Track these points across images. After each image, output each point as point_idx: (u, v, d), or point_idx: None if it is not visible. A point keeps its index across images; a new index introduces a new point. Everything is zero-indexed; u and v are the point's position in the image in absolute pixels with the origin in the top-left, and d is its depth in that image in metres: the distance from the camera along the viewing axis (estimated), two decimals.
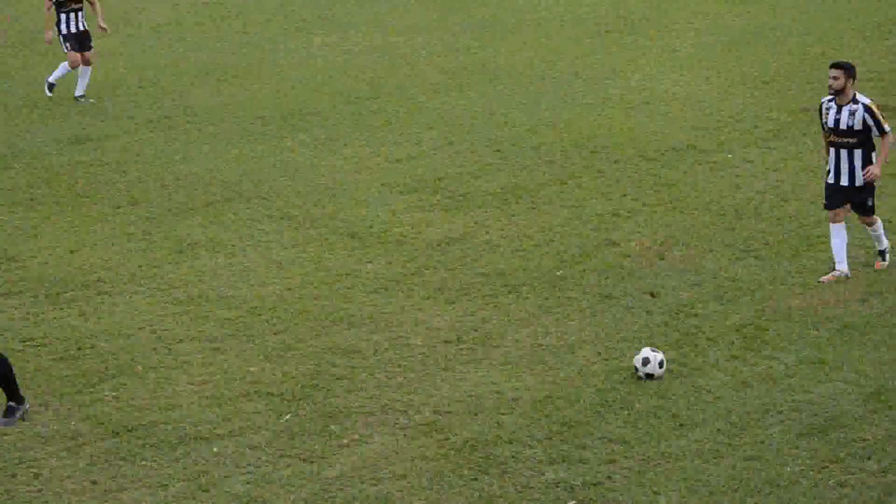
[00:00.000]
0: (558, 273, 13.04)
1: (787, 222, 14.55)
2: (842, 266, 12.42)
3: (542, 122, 19.83)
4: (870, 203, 12.50)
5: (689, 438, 9.45)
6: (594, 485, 8.79)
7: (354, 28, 28.10)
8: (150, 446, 9.65)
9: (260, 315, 12.39)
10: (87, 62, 20.19)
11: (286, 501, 8.81)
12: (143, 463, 9.38)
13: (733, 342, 11.16)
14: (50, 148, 19.09)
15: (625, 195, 15.59)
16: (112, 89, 22.81)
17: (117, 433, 9.82)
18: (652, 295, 12.18)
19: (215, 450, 9.49)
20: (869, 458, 9.00)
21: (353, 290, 13.05)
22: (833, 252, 12.91)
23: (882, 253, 12.79)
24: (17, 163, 18.22)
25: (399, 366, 11.11)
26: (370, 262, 13.91)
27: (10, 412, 9.86)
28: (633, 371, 10.51)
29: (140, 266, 13.93)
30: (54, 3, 20.05)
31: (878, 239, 12.70)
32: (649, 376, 10.37)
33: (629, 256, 13.39)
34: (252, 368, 11.10)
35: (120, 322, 12.31)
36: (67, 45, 19.99)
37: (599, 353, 10.90)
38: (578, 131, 19.20)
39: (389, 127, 20.07)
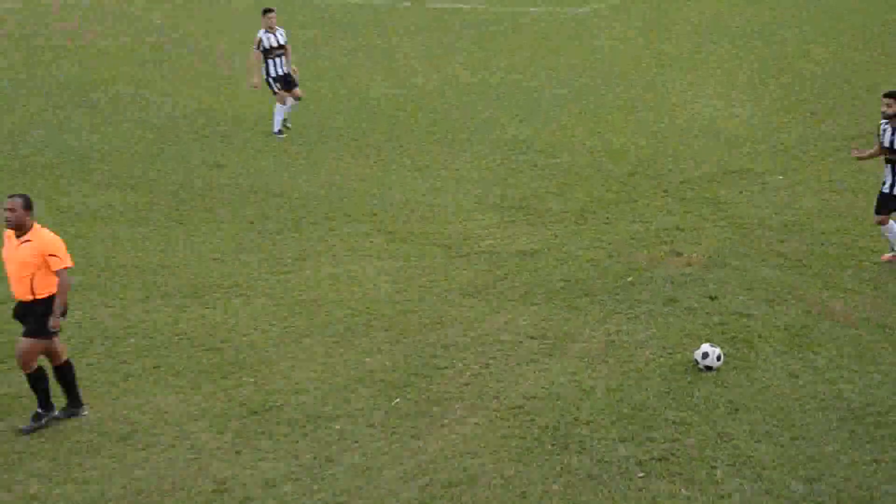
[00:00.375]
0: (629, 280, 12.97)
1: (831, 236, 14.33)
2: None
3: (613, 148, 19.56)
4: None
5: (742, 421, 9.47)
6: (660, 460, 8.85)
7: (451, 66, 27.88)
8: (283, 424, 9.80)
9: (371, 315, 12.35)
10: (297, 97, 20.25)
11: (396, 472, 8.86)
12: (278, 438, 9.54)
13: (782, 340, 11.11)
14: (195, 173, 19.25)
15: (687, 212, 15.33)
16: (240, 122, 22.80)
17: (255, 412, 10.00)
18: (711, 298, 12.05)
19: (337, 427, 9.66)
20: None
21: (449, 294, 13.01)
22: (890, 240, 13.27)
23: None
24: (171, 185, 18.38)
25: (491, 358, 11.10)
26: (463, 270, 13.81)
27: (36, 418, 9.79)
28: (694, 363, 10.53)
29: (269, 272, 13.98)
30: (262, 50, 19.82)
31: None
32: (708, 368, 10.42)
33: (691, 265, 13.31)
34: (366, 360, 11.16)
35: (254, 319, 12.41)
36: (277, 85, 20.02)
37: (664, 348, 10.93)
38: (646, 157, 18.99)
39: (476, 153, 19.93)
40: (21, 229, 9.39)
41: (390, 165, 19.25)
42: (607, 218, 15.84)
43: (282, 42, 19.67)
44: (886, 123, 12.69)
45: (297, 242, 15.48)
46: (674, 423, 9.75)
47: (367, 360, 11.44)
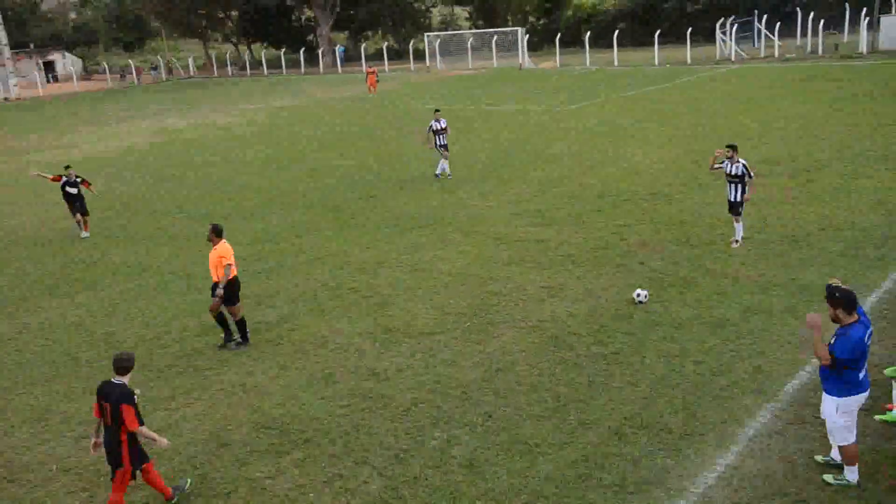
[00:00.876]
0: (596, 254, 14.33)
1: (715, 228, 15.71)
2: None
3: (591, 182, 20.93)
4: None
5: (658, 331, 11.14)
6: (614, 353, 10.69)
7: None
8: (406, 336, 11.77)
9: (453, 276, 14.20)
10: (446, 157, 22.34)
11: (469, 363, 10.65)
12: (406, 343, 11.54)
13: (680, 285, 12.46)
14: (350, 202, 21.06)
15: (629, 215, 16.80)
16: (386, 177, 24.17)
17: (390, 330, 12.06)
18: (641, 263, 13.43)
19: (437, 339, 11.62)
20: None
21: (496, 264, 14.68)
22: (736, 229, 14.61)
23: None
24: (328, 207, 20.16)
25: (520, 299, 12.81)
26: (505, 251, 15.41)
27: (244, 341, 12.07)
28: (633, 299, 12.21)
29: (396, 256, 15.79)
30: (433, 131, 22.20)
31: None
32: (640, 302, 12.18)
33: (630, 246, 14.57)
34: (450, 301, 13.07)
35: (389, 280, 14.31)
36: (441, 150, 22.20)
37: (616, 292, 12.37)
38: (608, 186, 20.22)
39: (515, 186, 21.41)
40: (213, 242, 11.80)
41: (464, 194, 20.81)
42: (587, 220, 17.35)
43: (444, 126, 22.35)
44: (727, 160, 14.49)
45: (409, 239, 17.04)
46: (622, 333, 11.60)
47: (451, 301, 13.26)
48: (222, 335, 12.21)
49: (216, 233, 11.74)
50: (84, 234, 19.55)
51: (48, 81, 78.27)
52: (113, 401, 7.88)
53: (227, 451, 9.25)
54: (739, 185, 14.49)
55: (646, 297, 12.40)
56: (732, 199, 14.68)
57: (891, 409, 8.81)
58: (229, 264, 11.69)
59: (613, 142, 26.02)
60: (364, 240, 17.20)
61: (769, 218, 16.24)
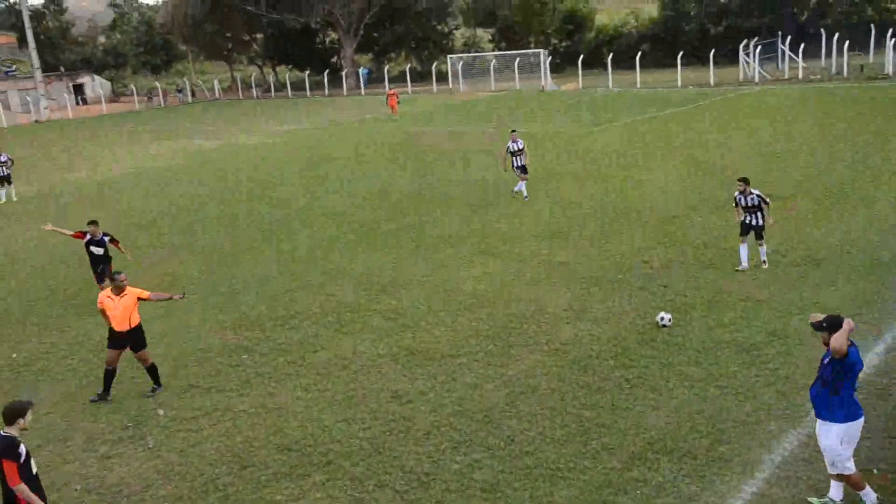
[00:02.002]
0: (619, 276, 14.36)
1: (730, 250, 15.58)
2: None
3: (608, 203, 21.02)
4: None
5: (682, 354, 11.13)
6: (638, 378, 10.64)
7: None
8: (428, 359, 11.83)
9: (478, 298, 14.15)
10: (525, 179, 22.07)
11: (492, 386, 10.69)
12: (425, 367, 11.63)
13: (703, 308, 12.47)
14: (375, 221, 21.01)
15: (649, 237, 16.83)
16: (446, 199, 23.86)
17: (412, 353, 12.13)
18: (664, 286, 13.42)
19: (458, 362, 11.60)
20: None
21: (519, 285, 14.66)
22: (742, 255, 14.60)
23: None
24: (353, 226, 20.00)
25: (542, 321, 12.75)
26: (528, 272, 15.41)
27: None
28: (657, 322, 12.20)
29: (420, 276, 15.85)
30: (509, 152, 22.04)
31: None
32: (664, 325, 12.15)
33: (652, 268, 14.60)
34: (473, 323, 13.04)
35: (414, 301, 14.37)
36: (517, 171, 22.00)
37: (639, 314, 12.42)
38: (623, 208, 20.31)
39: (537, 204, 21.61)
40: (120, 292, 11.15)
41: (487, 214, 21.03)
42: (609, 242, 17.37)
43: (521, 147, 22.06)
44: (739, 194, 14.70)
45: (437, 258, 17.20)
46: (646, 356, 11.53)
47: (474, 323, 13.28)
48: (99, 392, 11.55)
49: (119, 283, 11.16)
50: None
51: (77, 104, 79.56)
52: None
53: (249, 473, 9.27)
54: (759, 213, 14.60)
55: (669, 320, 12.36)
56: (754, 224, 14.71)
57: None
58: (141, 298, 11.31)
59: (635, 163, 26.04)
60: (388, 259, 17.33)
61: (792, 240, 16.14)
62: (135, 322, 11.41)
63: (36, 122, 67.64)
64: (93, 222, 15.95)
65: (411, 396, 10.73)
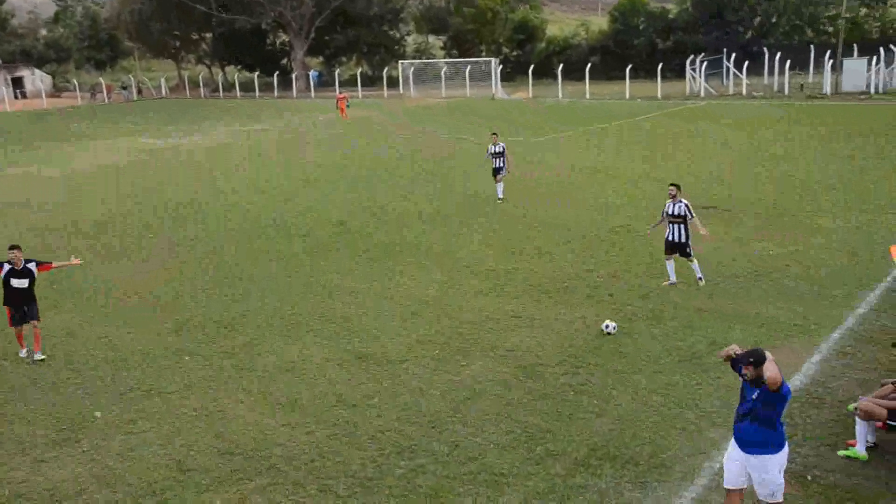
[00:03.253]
0: (565, 285, 14.58)
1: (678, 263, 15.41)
2: None
3: (555, 222, 21.11)
4: None
5: (626, 361, 11.29)
6: (582, 384, 10.74)
7: None
8: (378, 363, 11.78)
9: (427, 305, 14.13)
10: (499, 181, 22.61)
11: (438, 391, 10.68)
12: (372, 373, 11.58)
13: (648, 317, 12.62)
14: (323, 229, 20.76)
15: (596, 251, 17.07)
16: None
17: (361, 358, 12.10)
18: (610, 295, 13.72)
19: (404, 367, 11.64)
20: None
21: (467, 294, 14.67)
22: (669, 271, 14.69)
23: None
24: (300, 235, 19.77)
25: (490, 328, 12.77)
26: (476, 281, 15.43)
27: None
28: (602, 329, 12.34)
29: (369, 284, 15.91)
30: (491, 154, 22.64)
31: None
32: (609, 333, 12.31)
33: (600, 278, 14.83)
34: (421, 330, 13.01)
35: (366, 311, 14.35)
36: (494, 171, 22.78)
37: (586, 323, 12.47)
38: (571, 223, 20.52)
39: (484, 217, 21.62)
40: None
41: (435, 225, 21.22)
42: (555, 252, 17.51)
43: (501, 149, 22.50)
44: (669, 201, 14.60)
45: (386, 266, 17.17)
46: (591, 364, 11.67)
47: (422, 330, 13.27)
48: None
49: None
50: (27, 353, 12.80)
51: (16, 97, 77.44)
52: None
53: (190, 478, 9.08)
54: (682, 226, 14.54)
55: (614, 328, 12.52)
56: (674, 240, 14.61)
57: (853, 446, 8.93)
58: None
59: (582, 175, 26.32)
60: (337, 267, 17.21)
61: (735, 254, 16.47)
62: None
63: None
64: (14, 247, 12.76)
65: (356, 401, 10.66)
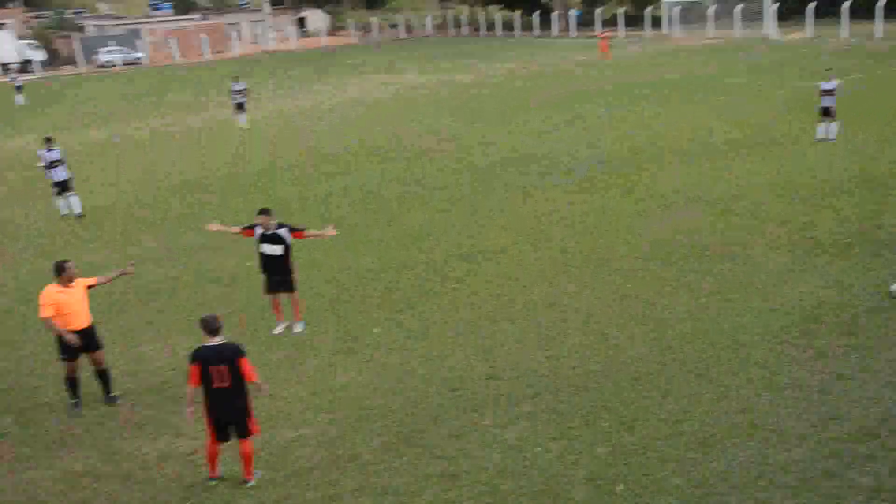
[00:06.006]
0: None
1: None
2: None
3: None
4: None
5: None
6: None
7: None
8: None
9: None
10: None
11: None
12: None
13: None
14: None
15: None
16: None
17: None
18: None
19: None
20: None
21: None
22: None
23: None
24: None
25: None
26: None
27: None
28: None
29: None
30: None
31: None
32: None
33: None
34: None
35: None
36: None
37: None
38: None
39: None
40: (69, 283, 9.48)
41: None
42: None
43: (833, 87, 21.05)
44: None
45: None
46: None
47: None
48: (73, 401, 9.81)
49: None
50: (283, 327, 11.75)
51: (300, 36, 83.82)
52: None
53: (460, 395, 9.56)
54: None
55: None
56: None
57: None
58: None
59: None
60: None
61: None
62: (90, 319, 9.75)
63: (264, 52, 72.05)
64: (264, 211, 11.47)
65: (619, 341, 10.63)
